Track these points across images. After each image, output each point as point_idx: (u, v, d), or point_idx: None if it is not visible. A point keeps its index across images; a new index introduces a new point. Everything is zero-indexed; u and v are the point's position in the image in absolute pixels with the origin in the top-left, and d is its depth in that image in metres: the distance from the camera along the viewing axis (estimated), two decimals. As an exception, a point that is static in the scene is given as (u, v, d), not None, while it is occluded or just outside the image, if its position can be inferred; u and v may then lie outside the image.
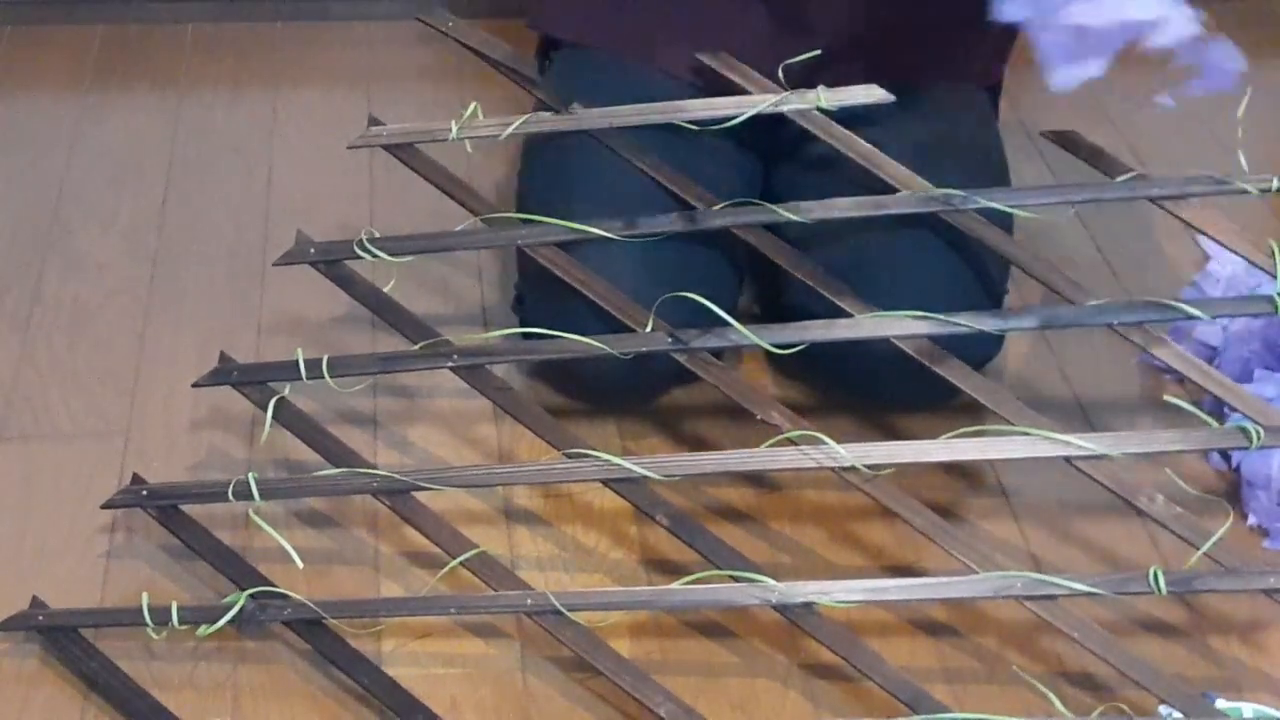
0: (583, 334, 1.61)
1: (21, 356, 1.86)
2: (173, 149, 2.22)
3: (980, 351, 1.70)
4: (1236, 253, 1.62)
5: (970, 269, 1.70)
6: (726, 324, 1.59)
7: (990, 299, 1.72)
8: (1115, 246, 2.07)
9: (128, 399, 1.81)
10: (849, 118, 1.67)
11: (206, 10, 2.50)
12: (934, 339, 1.60)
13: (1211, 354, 1.86)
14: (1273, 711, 1.44)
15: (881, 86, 1.65)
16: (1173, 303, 1.59)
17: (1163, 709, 1.42)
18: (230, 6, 2.51)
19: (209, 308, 1.94)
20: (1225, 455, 1.74)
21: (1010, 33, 1.89)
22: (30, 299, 1.95)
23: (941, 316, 1.58)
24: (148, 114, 2.30)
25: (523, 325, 1.79)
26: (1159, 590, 1.44)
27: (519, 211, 1.73)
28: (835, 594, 1.46)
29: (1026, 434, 1.52)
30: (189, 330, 1.90)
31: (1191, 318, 1.59)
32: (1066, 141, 1.69)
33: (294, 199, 2.12)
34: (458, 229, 1.70)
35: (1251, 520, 1.69)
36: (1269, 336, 1.82)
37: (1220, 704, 1.44)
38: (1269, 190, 1.61)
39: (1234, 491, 1.72)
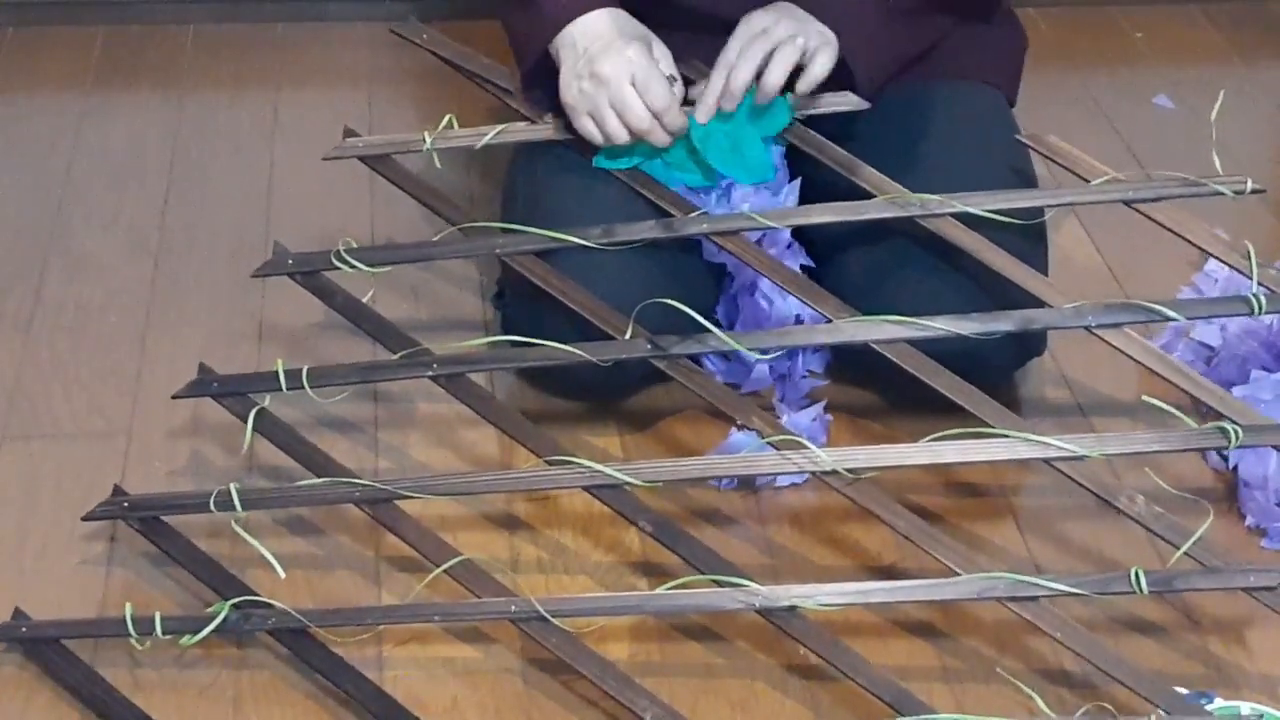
0: (561, 331, 1.62)
1: (23, 356, 1.87)
2: (174, 150, 2.23)
3: (1001, 359, 1.73)
4: (1208, 252, 1.61)
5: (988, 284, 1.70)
6: (705, 329, 1.59)
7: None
8: (1113, 246, 2.05)
9: (129, 399, 1.81)
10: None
11: (208, 11, 2.51)
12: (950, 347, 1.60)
13: (1210, 354, 1.84)
14: (1271, 711, 1.43)
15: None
16: (1148, 304, 1.59)
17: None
18: (231, 8, 2.51)
19: (210, 308, 1.95)
20: (1224, 456, 1.73)
21: (1019, 37, 1.89)
22: (32, 299, 1.96)
23: (920, 321, 1.58)
24: (149, 115, 2.31)
25: (502, 319, 1.81)
26: (1140, 590, 1.44)
27: (504, 216, 1.73)
28: (819, 597, 1.46)
29: (1006, 436, 1.51)
30: (190, 331, 1.91)
31: (1167, 319, 1.59)
32: (1041, 145, 1.69)
33: (294, 200, 2.13)
34: (435, 238, 1.70)
35: (1249, 521, 1.68)
36: (1267, 337, 1.80)
37: (1217, 703, 1.44)
38: (1243, 192, 1.61)
39: (1232, 492, 1.71)
